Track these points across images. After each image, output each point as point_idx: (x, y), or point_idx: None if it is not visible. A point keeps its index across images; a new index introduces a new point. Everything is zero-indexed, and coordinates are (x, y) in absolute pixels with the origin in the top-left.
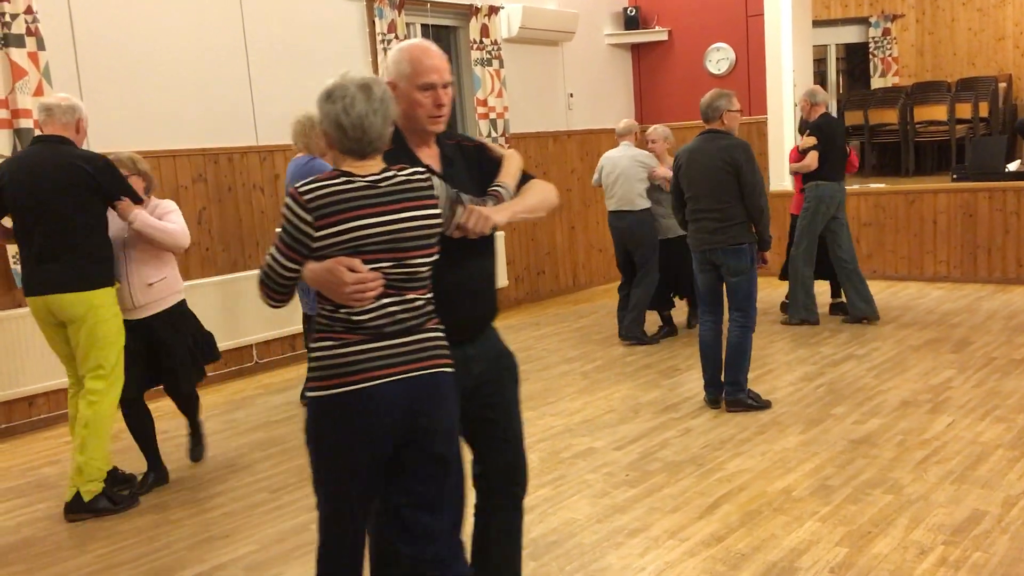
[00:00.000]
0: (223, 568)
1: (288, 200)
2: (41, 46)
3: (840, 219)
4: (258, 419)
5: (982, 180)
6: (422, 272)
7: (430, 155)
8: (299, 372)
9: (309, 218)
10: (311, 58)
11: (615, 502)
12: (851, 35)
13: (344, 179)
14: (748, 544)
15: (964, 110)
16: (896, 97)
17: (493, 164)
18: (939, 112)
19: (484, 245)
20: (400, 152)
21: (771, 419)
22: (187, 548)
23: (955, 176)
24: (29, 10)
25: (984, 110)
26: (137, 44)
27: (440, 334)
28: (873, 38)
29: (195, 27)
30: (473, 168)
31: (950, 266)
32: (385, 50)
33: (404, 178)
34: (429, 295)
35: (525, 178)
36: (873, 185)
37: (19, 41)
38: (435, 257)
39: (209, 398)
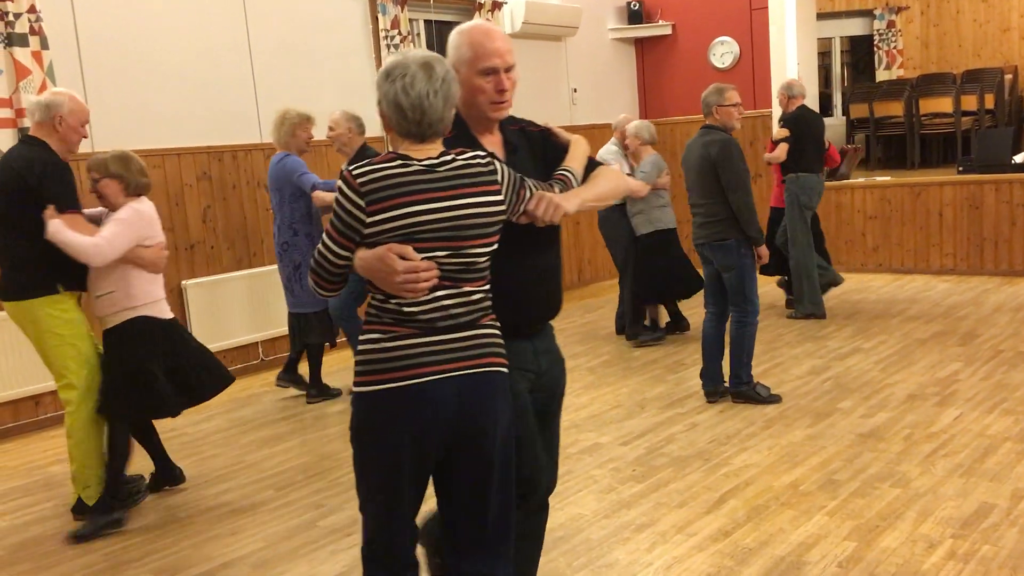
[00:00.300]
0: (230, 566)
1: (340, 183)
2: (45, 45)
3: (804, 218)
4: (264, 417)
5: (988, 172)
6: (480, 263)
7: (493, 142)
8: (302, 370)
9: (361, 202)
10: (314, 55)
11: (622, 497)
12: (856, 28)
13: (400, 162)
14: (756, 539)
15: (970, 102)
16: (901, 90)
17: (559, 150)
18: (945, 104)
19: (550, 235)
20: (462, 139)
21: (778, 413)
22: (194, 546)
23: (961, 168)
24: (32, 9)
25: (990, 102)
26: (141, 42)
27: (495, 331)
28: (878, 30)
29: (198, 25)
30: (537, 155)
31: (956, 259)
32: (388, 47)
33: (464, 162)
34: (486, 287)
35: (592, 165)
36: (879, 178)
37: (23, 40)
38: (494, 247)
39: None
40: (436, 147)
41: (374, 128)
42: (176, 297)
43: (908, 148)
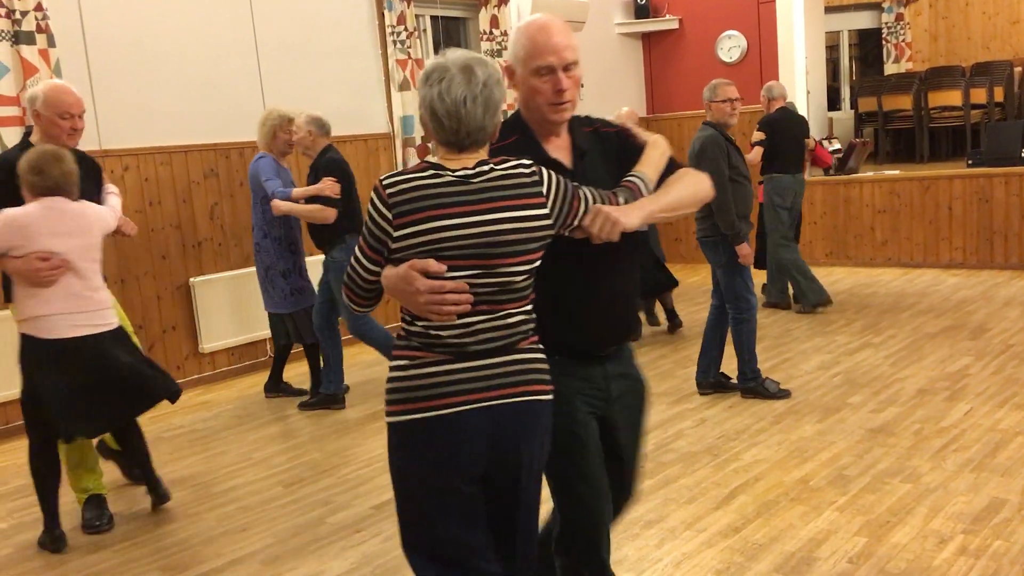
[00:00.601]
0: (239, 563)
1: (372, 193)
2: (51, 43)
3: (779, 214)
4: (272, 413)
5: (998, 165)
6: (517, 282)
7: (559, 146)
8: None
9: (389, 215)
10: (320, 52)
11: None
12: (864, 21)
13: (431, 172)
14: (765, 534)
15: (979, 95)
16: (910, 83)
17: (636, 152)
18: (954, 97)
19: (620, 249)
20: (525, 144)
21: (787, 408)
22: (203, 543)
23: (970, 162)
24: (39, 7)
25: (999, 95)
26: (147, 40)
27: (537, 355)
28: (886, 23)
29: (205, 23)
30: (611, 158)
31: (966, 252)
32: (395, 43)
33: (502, 172)
34: (526, 309)
35: (673, 167)
36: (888, 172)
37: (29, 38)
38: (535, 265)
39: (223, 393)
40: (476, 157)
41: (369, 127)
42: (184, 294)
43: (917, 142)
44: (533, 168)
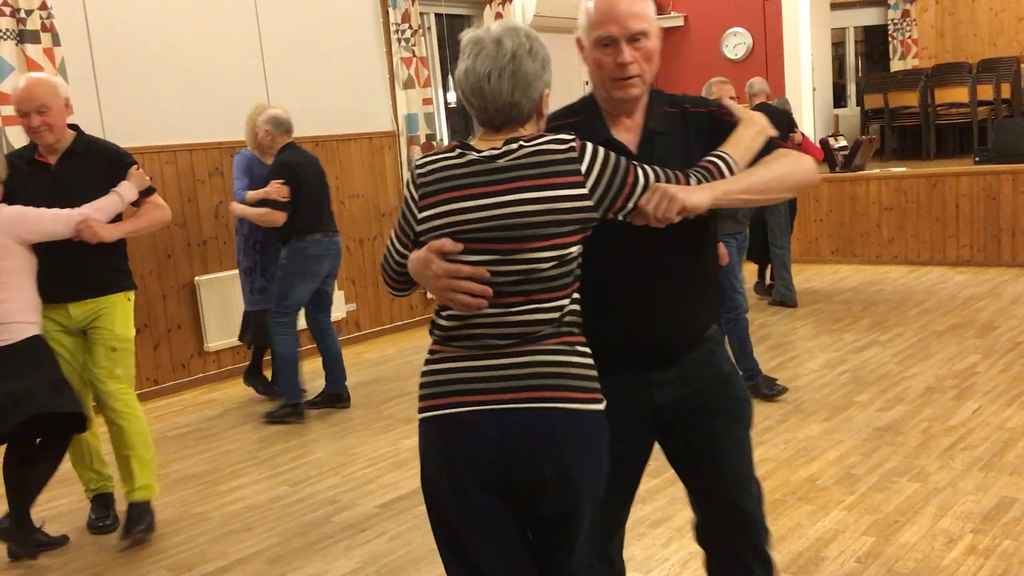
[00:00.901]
0: (245, 562)
1: (407, 174)
2: (56, 42)
3: (778, 206)
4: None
5: (1005, 162)
6: (542, 270)
7: (629, 127)
8: (314, 365)
9: (416, 195)
10: (325, 50)
11: (637, 493)
12: (870, 17)
13: (458, 153)
14: (773, 533)
15: (986, 91)
16: (916, 79)
17: (727, 133)
18: (960, 94)
19: (681, 236)
20: (588, 125)
21: (793, 407)
22: (209, 542)
23: (977, 159)
24: (44, 6)
25: (1006, 91)
26: (152, 38)
27: (573, 358)
28: (892, 20)
29: (209, 21)
30: (702, 141)
31: (973, 250)
32: (399, 41)
33: (532, 149)
34: (560, 302)
35: (771, 148)
36: (894, 169)
37: (34, 37)
38: (566, 251)
39: (228, 392)
40: (512, 135)
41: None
42: (189, 293)
43: (923, 138)
44: (571, 143)
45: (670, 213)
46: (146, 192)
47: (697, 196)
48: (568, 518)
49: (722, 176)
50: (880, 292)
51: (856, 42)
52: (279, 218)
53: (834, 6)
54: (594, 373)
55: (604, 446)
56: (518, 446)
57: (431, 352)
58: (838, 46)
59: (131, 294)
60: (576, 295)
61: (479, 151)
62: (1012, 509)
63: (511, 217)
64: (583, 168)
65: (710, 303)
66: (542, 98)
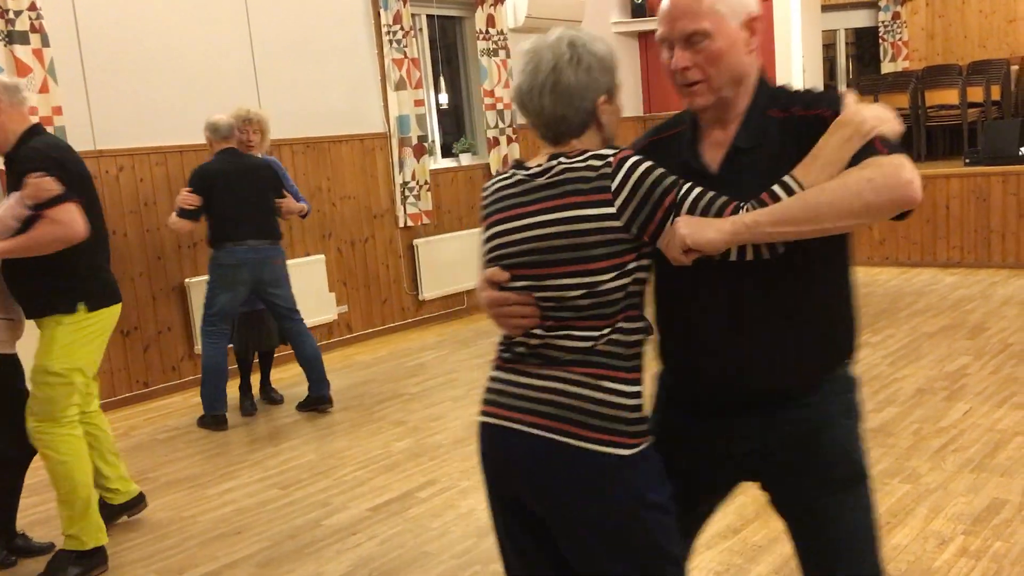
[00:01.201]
0: (235, 565)
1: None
2: (46, 43)
3: None
4: (267, 414)
5: (995, 164)
6: (571, 298)
7: (719, 142)
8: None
9: (481, 218)
10: (316, 51)
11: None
12: (861, 19)
13: (510, 173)
14: (765, 536)
15: (976, 93)
16: (907, 81)
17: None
18: (951, 96)
19: (751, 263)
20: (680, 139)
21: None
22: (198, 545)
23: (968, 160)
24: (33, 6)
25: (996, 93)
26: (142, 39)
27: (592, 392)
28: (883, 22)
29: (200, 21)
30: (804, 152)
31: (964, 251)
32: (391, 42)
33: (568, 166)
34: (593, 332)
35: (866, 154)
36: None
37: (23, 38)
38: (596, 277)
39: None
40: (559, 151)
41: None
42: (179, 295)
43: (914, 140)
44: (610, 158)
45: (673, 251)
46: (53, 202)
47: (710, 232)
48: (586, 562)
49: (769, 206)
50: (871, 294)
51: (847, 44)
52: (183, 226)
53: (825, 8)
54: (625, 414)
55: (631, 493)
56: (535, 472)
57: (492, 362)
58: (829, 48)
59: (65, 317)
60: (625, 324)
61: (528, 169)
62: (1003, 510)
63: (536, 240)
64: (614, 185)
65: (809, 347)
66: (596, 108)
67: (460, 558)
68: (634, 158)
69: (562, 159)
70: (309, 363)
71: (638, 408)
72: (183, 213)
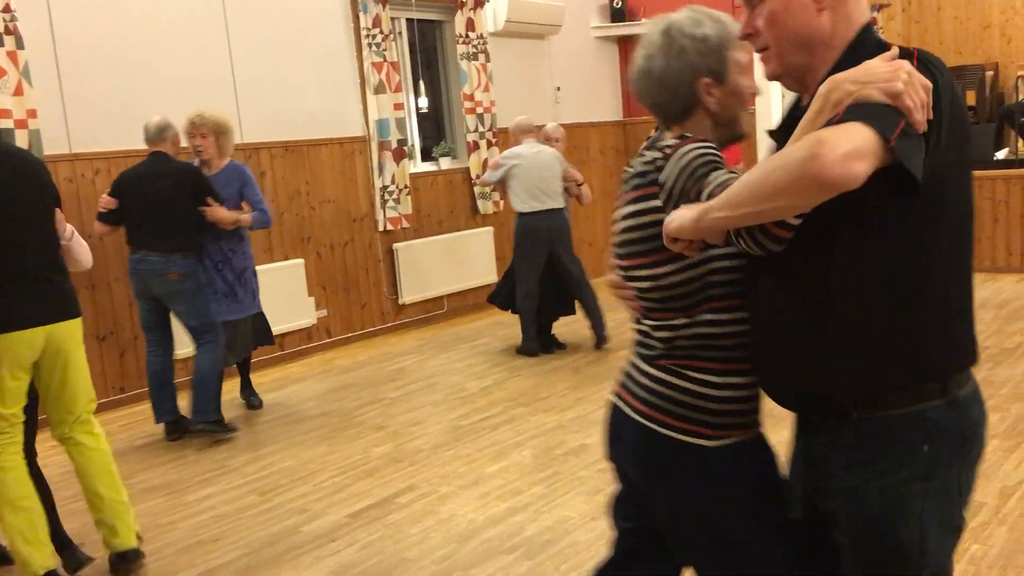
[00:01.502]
0: (213, 572)
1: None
2: (20, 45)
3: None
4: (245, 420)
5: (972, 169)
6: (643, 287)
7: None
8: (284, 372)
9: None
10: (295, 55)
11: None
12: None
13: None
14: None
15: None
16: None
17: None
18: None
19: (787, 263)
20: (799, 110)
21: (766, 411)
22: (177, 552)
23: None
24: (7, 8)
25: (972, 99)
26: (118, 42)
27: (677, 380)
28: None
29: (177, 23)
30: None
31: None
32: (370, 45)
33: (649, 157)
34: (671, 321)
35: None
36: None
37: None
38: (660, 269)
39: None
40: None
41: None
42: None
43: None
44: (664, 151)
45: (666, 240)
46: None
47: (681, 220)
48: (669, 538)
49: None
50: None
51: None
52: (99, 229)
53: None
54: (711, 405)
55: (707, 484)
56: (621, 446)
57: None
58: None
59: None
60: (710, 316)
61: (641, 156)
62: (980, 513)
63: (620, 232)
64: (661, 178)
65: (843, 361)
66: (697, 91)
67: (440, 564)
68: (682, 150)
69: (643, 149)
70: (192, 386)
71: (728, 400)
72: (100, 216)
